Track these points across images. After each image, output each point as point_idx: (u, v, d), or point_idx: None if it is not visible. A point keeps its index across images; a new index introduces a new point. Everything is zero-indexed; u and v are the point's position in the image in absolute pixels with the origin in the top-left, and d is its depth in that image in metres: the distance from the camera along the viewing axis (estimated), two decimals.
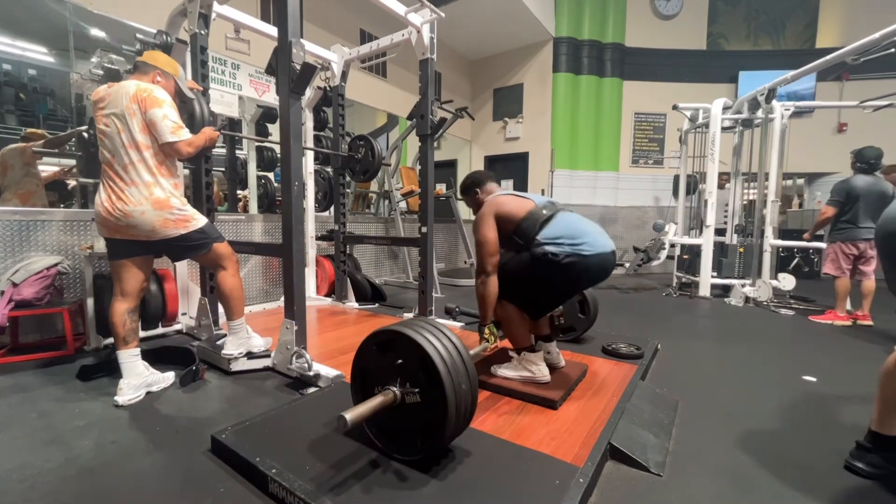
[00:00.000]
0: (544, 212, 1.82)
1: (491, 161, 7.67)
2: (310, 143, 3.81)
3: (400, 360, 1.27)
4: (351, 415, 1.14)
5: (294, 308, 2.03)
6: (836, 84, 6.77)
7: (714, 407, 1.91)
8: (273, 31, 3.07)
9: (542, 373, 1.84)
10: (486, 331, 1.92)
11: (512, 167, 7.36)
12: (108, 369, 2.09)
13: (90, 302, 2.48)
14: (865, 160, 3.50)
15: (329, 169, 4.03)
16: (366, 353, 1.37)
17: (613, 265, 1.83)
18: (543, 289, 1.82)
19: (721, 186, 5.50)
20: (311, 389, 1.94)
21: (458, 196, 2.08)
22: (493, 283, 1.83)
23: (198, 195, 2.58)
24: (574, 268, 1.71)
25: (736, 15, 7.10)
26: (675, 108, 5.39)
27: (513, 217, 1.83)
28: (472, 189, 2.11)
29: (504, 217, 1.84)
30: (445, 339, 1.27)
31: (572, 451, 1.38)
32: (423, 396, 1.23)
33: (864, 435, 1.42)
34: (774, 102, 4.43)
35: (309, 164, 3.80)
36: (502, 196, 1.92)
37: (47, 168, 3.50)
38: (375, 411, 1.21)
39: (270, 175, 4.67)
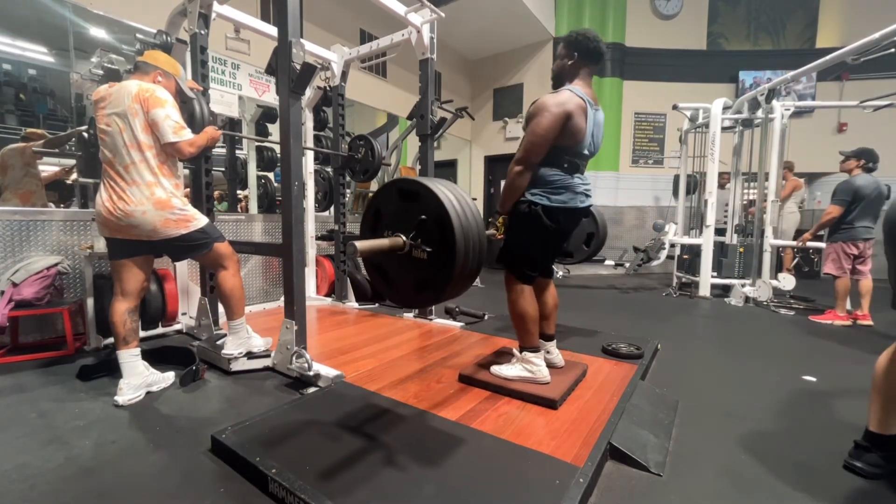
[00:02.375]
0: (577, 160, 1.81)
1: (491, 161, 7.67)
2: (310, 143, 3.81)
3: (419, 214, 1.24)
4: (361, 245, 1.17)
5: (294, 308, 2.03)
6: (836, 84, 6.77)
7: (714, 407, 1.91)
8: (273, 31, 3.07)
9: (543, 373, 1.84)
10: (500, 220, 1.91)
11: None
12: (108, 369, 2.09)
13: (90, 302, 2.48)
14: (874, 160, 3.52)
15: (329, 169, 4.04)
16: (385, 195, 1.34)
17: (587, 210, 1.90)
18: (542, 241, 1.86)
19: (722, 186, 5.51)
20: (311, 389, 1.94)
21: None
22: (528, 178, 1.79)
23: (198, 195, 2.58)
24: (557, 218, 1.79)
25: (736, 15, 7.10)
26: (675, 108, 5.39)
27: (570, 137, 1.74)
28: (571, 52, 1.82)
29: (567, 130, 1.72)
30: (469, 209, 1.24)
31: (572, 451, 1.38)
32: (430, 255, 1.23)
33: (862, 434, 1.42)
34: (774, 102, 4.43)
35: (309, 164, 3.80)
36: (580, 104, 1.73)
37: (47, 168, 3.50)
38: (382, 251, 1.23)
39: (270, 175, 4.66)
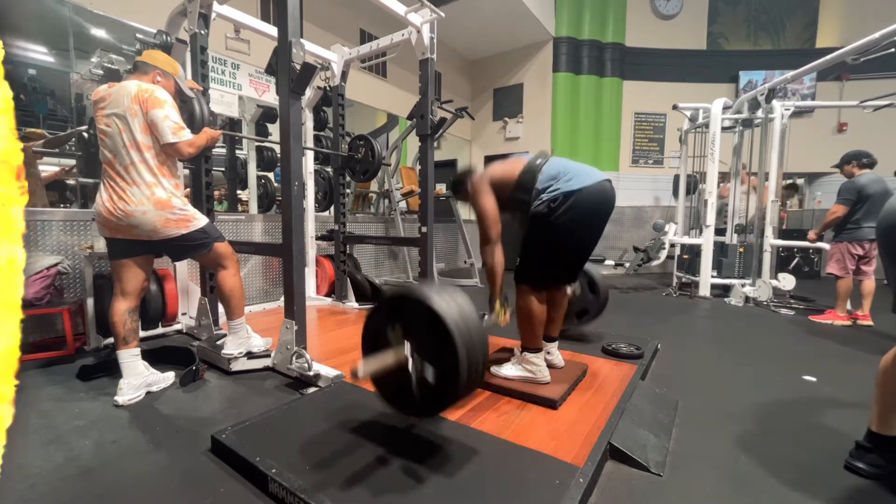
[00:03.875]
0: (539, 161, 1.83)
1: (491, 161, 7.65)
2: (310, 143, 3.81)
3: (435, 356, 1.23)
4: (362, 371, 1.17)
5: (294, 308, 2.03)
6: (836, 84, 6.77)
7: (714, 407, 1.91)
8: (273, 31, 3.07)
9: (543, 373, 1.84)
10: (498, 304, 1.91)
11: None
12: (108, 369, 2.09)
13: (90, 302, 2.48)
14: (866, 156, 3.51)
15: (329, 169, 4.03)
16: (411, 300, 1.27)
17: (614, 192, 1.81)
18: (565, 244, 1.78)
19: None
20: (311, 389, 1.94)
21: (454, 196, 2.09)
22: (499, 252, 1.84)
23: (198, 195, 2.58)
24: (580, 204, 1.70)
25: (736, 15, 7.10)
26: (675, 108, 5.39)
27: (508, 178, 1.84)
28: (464, 182, 1.97)
29: (499, 181, 1.86)
30: (480, 363, 1.23)
31: (572, 450, 1.38)
32: (422, 392, 1.26)
33: (864, 435, 1.42)
34: (774, 102, 4.42)
35: (309, 164, 3.80)
36: (491, 167, 1.93)
37: (47, 168, 3.50)
38: (385, 368, 1.26)
39: (270, 175, 4.66)
